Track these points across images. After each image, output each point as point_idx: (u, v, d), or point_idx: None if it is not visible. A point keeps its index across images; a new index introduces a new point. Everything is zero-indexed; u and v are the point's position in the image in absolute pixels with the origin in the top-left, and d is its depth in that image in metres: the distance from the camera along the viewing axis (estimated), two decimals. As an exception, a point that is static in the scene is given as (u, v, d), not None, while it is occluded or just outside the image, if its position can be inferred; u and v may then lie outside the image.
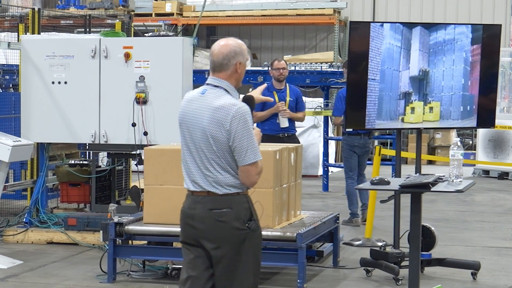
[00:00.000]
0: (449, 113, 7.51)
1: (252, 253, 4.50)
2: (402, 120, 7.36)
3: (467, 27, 7.53)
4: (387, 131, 13.73)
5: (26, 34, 9.93)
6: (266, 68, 13.49)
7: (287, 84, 9.80)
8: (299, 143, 9.19)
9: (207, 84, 4.56)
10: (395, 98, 7.27)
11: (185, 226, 4.57)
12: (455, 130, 17.09)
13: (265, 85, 8.72)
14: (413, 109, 7.37)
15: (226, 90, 4.49)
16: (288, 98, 9.63)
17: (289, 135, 9.59)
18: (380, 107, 7.18)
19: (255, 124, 4.72)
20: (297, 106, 9.77)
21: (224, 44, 4.52)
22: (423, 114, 7.42)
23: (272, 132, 9.43)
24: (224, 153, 4.42)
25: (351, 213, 10.12)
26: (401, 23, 7.56)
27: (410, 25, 7.40)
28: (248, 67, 10.78)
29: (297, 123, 9.95)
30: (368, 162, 10.38)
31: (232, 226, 4.43)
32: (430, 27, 7.47)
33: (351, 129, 9.11)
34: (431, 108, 7.44)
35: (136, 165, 8.73)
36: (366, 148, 10.24)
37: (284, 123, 9.52)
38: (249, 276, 4.50)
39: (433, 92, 7.43)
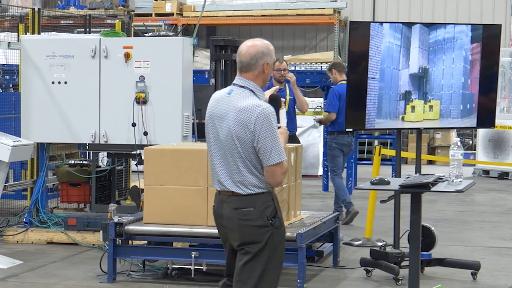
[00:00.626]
0: (449, 112, 7.50)
1: (275, 250, 4.56)
2: (403, 118, 7.35)
3: (466, 26, 7.52)
4: (387, 131, 13.73)
5: (26, 34, 9.92)
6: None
7: (287, 84, 9.79)
8: (299, 143, 9.19)
9: (234, 84, 4.61)
10: (395, 96, 7.26)
11: (218, 225, 4.70)
12: (455, 130, 17.08)
13: (277, 87, 8.71)
14: (413, 107, 7.36)
15: (252, 90, 4.55)
16: (288, 97, 9.63)
17: (289, 135, 9.56)
18: (380, 106, 7.18)
19: (284, 123, 4.81)
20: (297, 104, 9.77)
21: (251, 45, 4.58)
22: (423, 112, 7.42)
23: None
24: (249, 153, 4.48)
25: (346, 202, 10.08)
26: (401, 23, 7.55)
27: (409, 24, 7.40)
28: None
29: (297, 123, 9.92)
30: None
31: (256, 225, 4.50)
32: (430, 25, 7.46)
33: (351, 129, 9.10)
34: (431, 107, 7.43)
35: (136, 165, 8.73)
36: (351, 147, 10.36)
37: (282, 121, 9.45)
38: (271, 273, 4.56)
39: (433, 91, 7.42)
